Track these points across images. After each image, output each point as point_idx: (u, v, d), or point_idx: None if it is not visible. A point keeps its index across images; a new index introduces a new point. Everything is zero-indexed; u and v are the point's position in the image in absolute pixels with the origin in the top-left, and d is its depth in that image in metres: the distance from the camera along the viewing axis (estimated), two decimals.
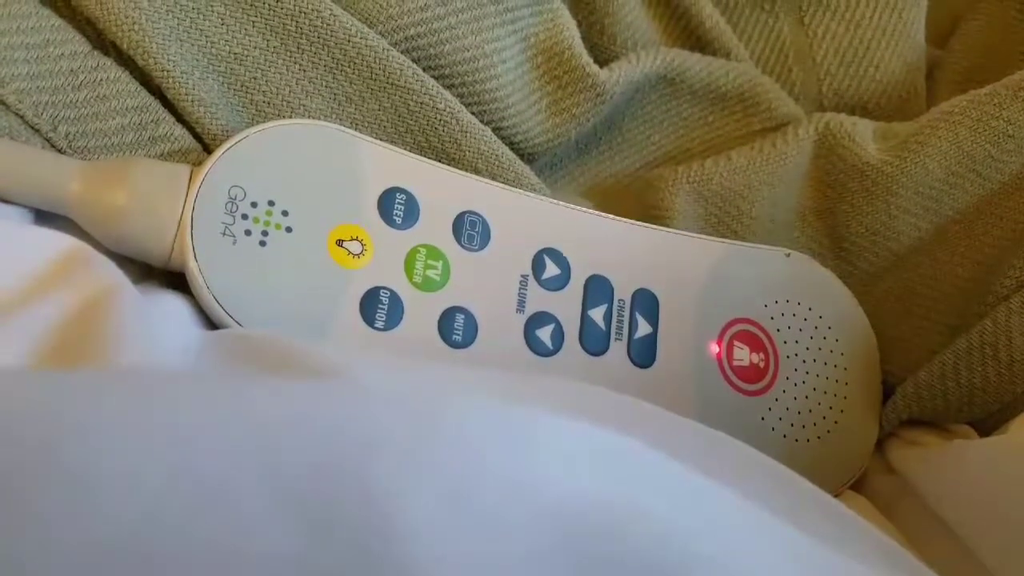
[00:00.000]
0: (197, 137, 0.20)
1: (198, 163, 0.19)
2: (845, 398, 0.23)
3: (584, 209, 0.22)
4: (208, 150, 0.20)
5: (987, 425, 0.22)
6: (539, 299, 0.20)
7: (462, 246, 0.20)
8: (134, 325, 0.14)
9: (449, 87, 0.23)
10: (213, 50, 0.20)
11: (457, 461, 0.09)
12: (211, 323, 0.18)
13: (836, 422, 0.22)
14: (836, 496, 0.22)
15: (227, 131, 0.20)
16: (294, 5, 0.21)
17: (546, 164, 0.25)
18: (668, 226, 0.24)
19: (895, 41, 0.26)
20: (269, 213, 0.18)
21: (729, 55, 0.26)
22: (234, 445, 0.08)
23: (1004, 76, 0.24)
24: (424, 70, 0.22)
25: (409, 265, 0.19)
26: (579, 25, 0.25)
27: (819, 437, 0.22)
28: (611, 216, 0.23)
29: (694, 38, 0.27)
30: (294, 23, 0.21)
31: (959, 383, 0.22)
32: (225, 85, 0.20)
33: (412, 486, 0.08)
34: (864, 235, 0.24)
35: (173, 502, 0.08)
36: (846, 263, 0.24)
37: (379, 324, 0.19)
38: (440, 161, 0.22)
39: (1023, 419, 0.20)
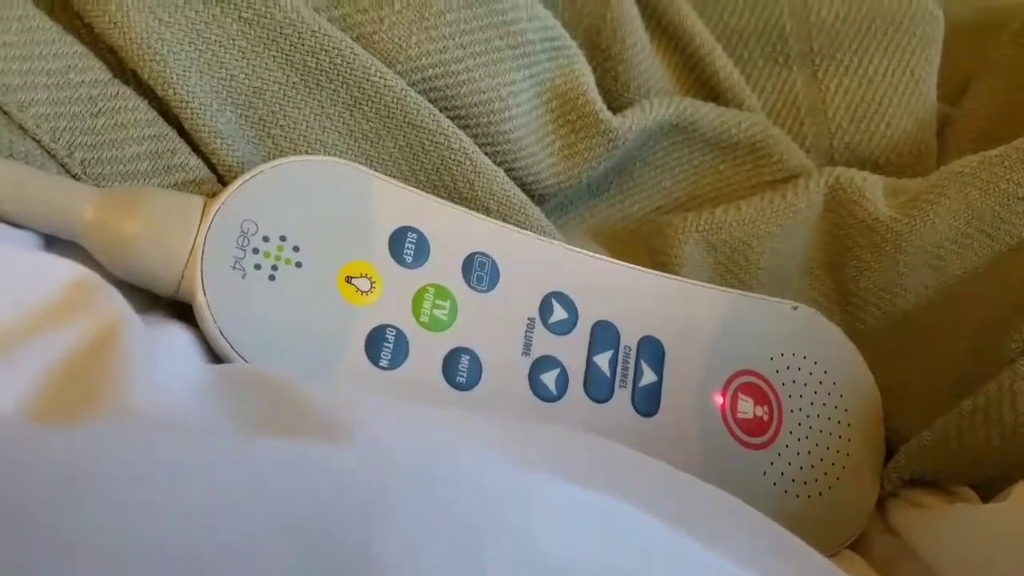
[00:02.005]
0: (212, 168, 0.20)
1: (212, 195, 0.19)
2: (847, 455, 0.22)
3: (593, 254, 0.22)
4: (223, 182, 0.20)
5: (990, 488, 0.22)
6: (545, 343, 0.20)
7: (471, 287, 0.20)
8: (139, 363, 0.14)
9: (464, 127, 0.23)
10: (233, 83, 0.21)
11: (460, 528, 0.09)
12: (216, 355, 0.18)
13: (838, 479, 0.22)
14: (834, 556, 0.22)
15: (243, 164, 0.20)
16: (315, 42, 0.21)
17: (557, 205, 0.25)
18: (676, 273, 0.24)
19: (907, 98, 0.27)
20: (280, 248, 0.18)
21: (742, 106, 0.27)
22: (242, 505, 0.08)
23: (1015, 137, 0.24)
24: (440, 110, 0.23)
25: (417, 304, 0.19)
26: (594, 71, 0.26)
27: (820, 494, 0.22)
28: (619, 262, 0.23)
29: (707, 88, 0.27)
30: (314, 60, 0.21)
31: (962, 445, 0.21)
32: (243, 118, 0.21)
33: (414, 554, 0.08)
34: (871, 291, 0.24)
35: (179, 558, 0.08)
36: (852, 318, 0.24)
37: (383, 363, 0.18)
38: (452, 200, 0.22)
39: None
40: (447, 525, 0.09)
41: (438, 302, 0.20)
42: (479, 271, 0.20)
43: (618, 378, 0.21)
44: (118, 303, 0.15)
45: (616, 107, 0.26)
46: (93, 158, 0.19)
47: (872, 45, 0.27)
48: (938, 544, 0.20)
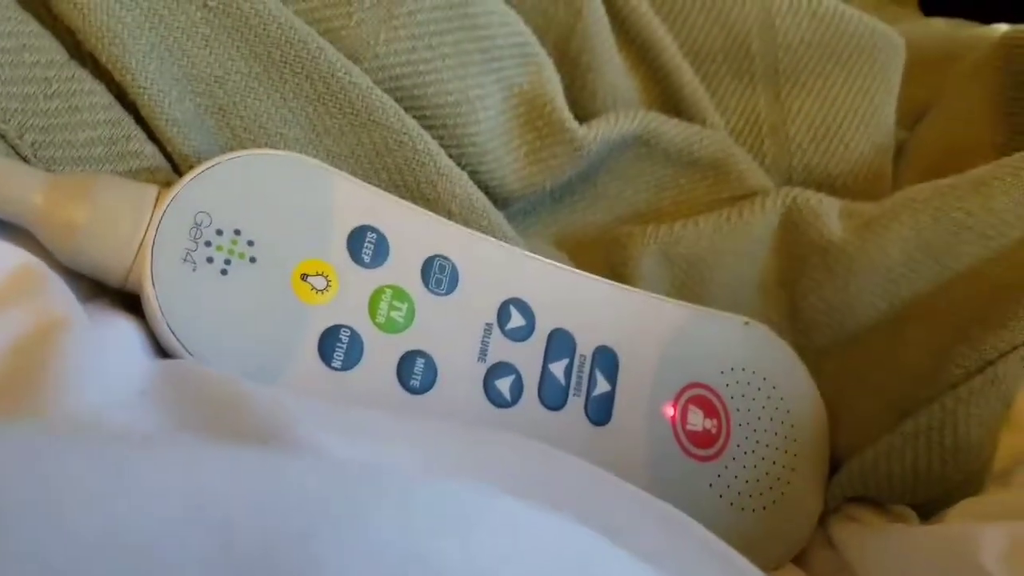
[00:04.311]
0: (168, 157, 0.20)
1: (167, 184, 0.19)
2: (793, 470, 0.23)
3: (553, 262, 0.22)
4: (178, 172, 0.20)
5: (928, 509, 0.23)
6: (501, 349, 0.20)
7: (429, 289, 0.20)
8: (80, 359, 0.13)
9: (429, 128, 0.23)
10: (194, 71, 0.20)
11: (395, 544, 0.09)
12: (163, 349, 0.17)
13: (783, 493, 0.23)
14: (777, 569, 0.22)
15: (199, 154, 0.20)
16: (281, 34, 0.21)
17: (519, 210, 0.26)
18: (634, 285, 0.24)
19: (865, 123, 0.27)
20: (234, 242, 0.18)
21: (705, 122, 0.27)
22: (176, 522, 0.08)
23: (968, 167, 0.25)
24: (406, 110, 0.23)
25: (373, 305, 0.19)
26: (562, 79, 0.26)
27: (764, 507, 0.22)
28: (579, 271, 0.23)
29: (672, 102, 0.27)
30: (279, 52, 0.21)
31: (903, 466, 0.22)
32: (202, 107, 0.20)
33: (346, 565, 0.08)
34: (822, 310, 0.24)
35: (111, 566, 0.08)
36: (803, 336, 0.25)
37: (336, 363, 0.18)
38: (414, 201, 0.22)
39: (961, 507, 0.21)
40: (383, 540, 0.09)
41: (395, 303, 0.19)
42: (439, 274, 0.20)
43: (572, 386, 0.21)
44: (62, 296, 0.15)
45: (582, 116, 0.26)
46: (45, 141, 0.18)
47: (835, 70, 0.27)
48: (872, 561, 0.21)
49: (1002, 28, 0.32)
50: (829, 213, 0.25)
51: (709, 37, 0.28)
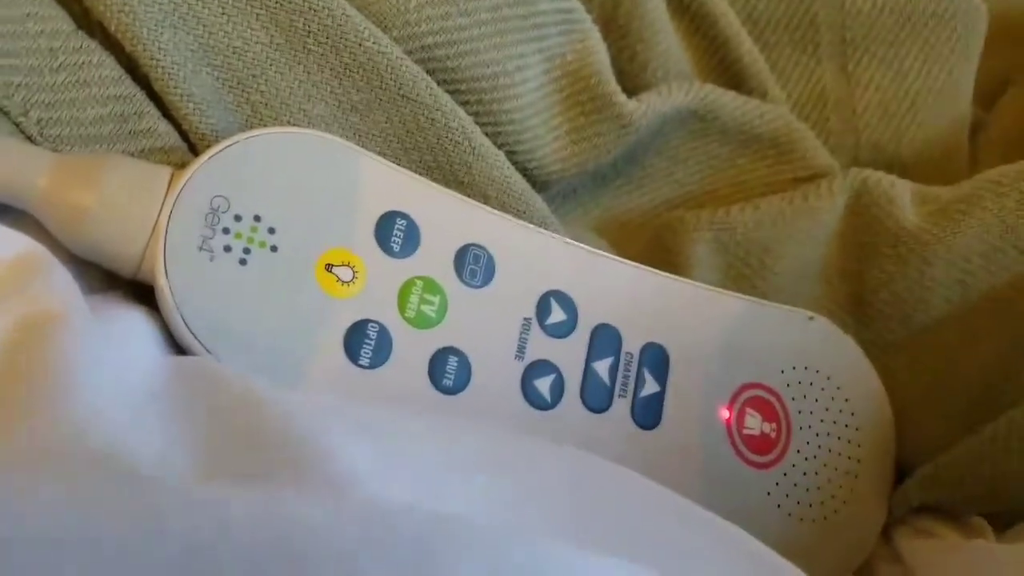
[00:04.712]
0: (183, 136, 0.18)
1: (181, 165, 0.17)
2: (856, 477, 0.21)
3: (597, 251, 0.20)
4: (194, 151, 0.18)
5: (1002, 520, 0.21)
6: (541, 346, 0.19)
7: (463, 281, 0.18)
8: (80, 356, 0.12)
9: (463, 103, 0.21)
10: (211, 41, 0.19)
11: None
12: (178, 345, 0.16)
13: (845, 502, 0.21)
14: None
15: (217, 132, 0.18)
16: (304, 1, 0.19)
17: (559, 193, 0.24)
18: (685, 275, 0.22)
19: (942, 98, 0.25)
20: (254, 229, 0.17)
21: (765, 96, 0.25)
22: (190, 568, 0.07)
23: None
24: (438, 83, 0.21)
25: (403, 298, 0.18)
26: (609, 49, 0.24)
27: (825, 517, 0.21)
28: (625, 260, 0.21)
29: (729, 74, 0.25)
30: (302, 20, 0.19)
31: (980, 474, 0.20)
32: (220, 81, 0.19)
33: None
34: (892, 304, 0.22)
35: None
36: (869, 331, 0.23)
37: (364, 361, 0.17)
38: (447, 184, 0.20)
39: None
40: None
41: (426, 296, 0.18)
42: (473, 264, 0.19)
43: (618, 387, 0.19)
44: (65, 287, 0.14)
45: (631, 89, 0.24)
46: (51, 118, 0.17)
47: (909, 39, 0.25)
48: None
49: None
50: (902, 197, 0.23)
51: (771, 4, 0.25)
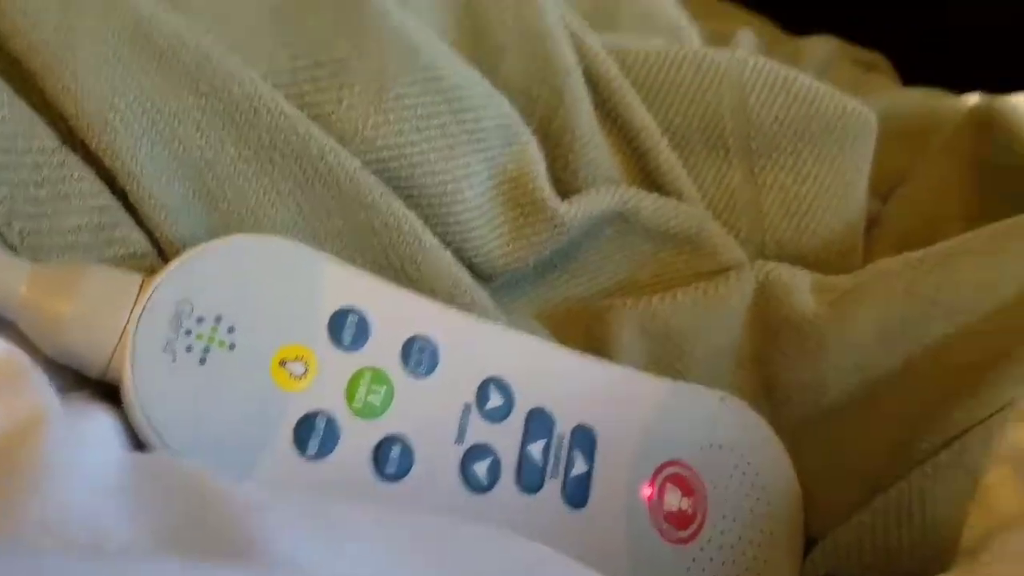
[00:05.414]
0: (155, 243, 0.20)
1: (152, 270, 0.19)
2: (769, 549, 0.23)
3: (534, 338, 0.23)
4: (165, 257, 0.20)
5: None
6: (479, 430, 0.21)
7: (409, 371, 0.20)
8: (57, 456, 0.13)
9: (415, 207, 0.24)
10: (185, 155, 0.21)
11: None
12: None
13: (759, 574, 0.23)
14: None
15: (186, 240, 0.20)
16: (271, 120, 0.21)
17: (503, 284, 0.26)
18: (614, 358, 0.25)
19: (836, 200, 0.28)
20: (215, 329, 0.18)
21: (681, 197, 0.28)
22: None
23: (940, 238, 0.26)
24: (393, 188, 0.23)
25: (351, 389, 0.19)
26: (546, 157, 0.26)
27: None
28: (559, 346, 0.23)
29: (651, 179, 0.28)
30: (269, 137, 0.22)
31: (875, 544, 0.22)
32: (191, 191, 0.21)
33: None
34: (795, 386, 0.25)
35: None
36: (778, 411, 0.25)
37: (311, 452, 0.18)
38: (398, 280, 0.22)
39: None
40: None
41: (374, 387, 0.20)
42: (419, 354, 0.21)
43: (550, 467, 0.21)
44: (42, 390, 0.15)
45: (565, 192, 0.27)
46: (33, 228, 0.19)
47: (806, 148, 0.28)
48: None
49: (974, 99, 0.33)
50: (801, 288, 0.26)
51: (687, 116, 0.29)
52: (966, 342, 0.24)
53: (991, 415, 0.22)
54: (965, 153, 0.30)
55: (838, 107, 0.28)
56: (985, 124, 0.29)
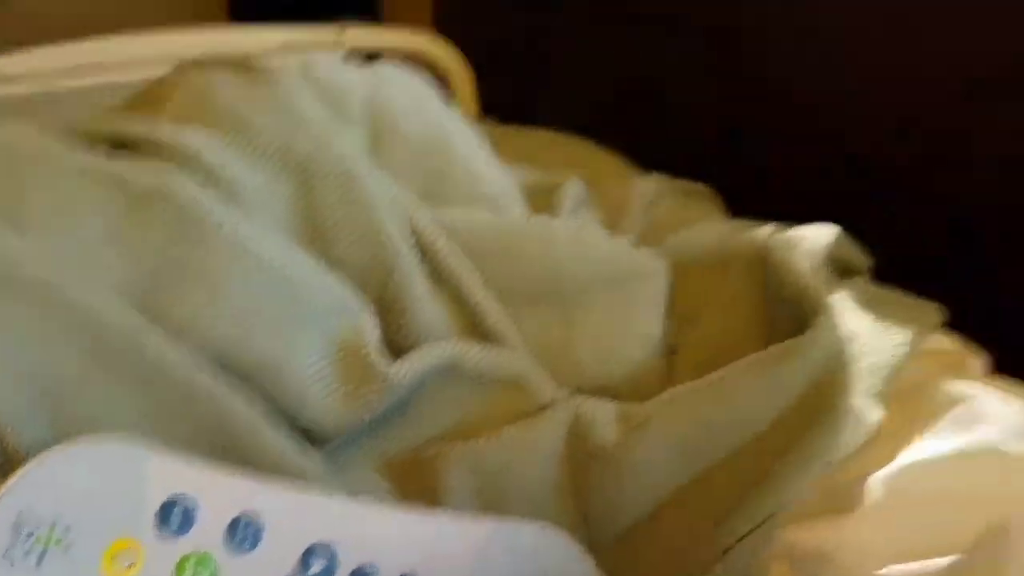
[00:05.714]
0: (3, 452, 0.23)
1: None
2: None
3: (358, 500, 0.26)
4: (11, 467, 0.23)
5: None
6: None
7: (233, 549, 0.23)
8: None
9: (252, 385, 0.27)
10: (33, 371, 0.24)
11: None
12: None
13: None
14: None
15: (31, 447, 0.23)
16: (113, 333, 0.25)
17: (341, 443, 0.29)
18: (445, 500, 0.28)
19: (637, 337, 0.33)
20: (52, 530, 0.21)
21: (506, 343, 0.32)
22: None
23: (730, 361, 0.30)
24: (231, 371, 0.26)
25: (178, 575, 0.22)
26: (380, 322, 0.30)
27: None
28: (383, 503, 0.26)
29: (479, 330, 0.32)
30: (108, 346, 0.25)
31: None
32: (36, 403, 0.24)
33: None
34: (602, 509, 0.28)
35: None
36: (592, 532, 0.28)
37: None
38: (231, 459, 0.25)
39: None
40: None
41: (199, 570, 0.22)
42: (244, 531, 0.23)
43: None
44: None
45: (400, 350, 0.30)
46: None
47: (613, 296, 0.33)
48: None
49: (766, 231, 0.38)
50: (606, 420, 0.29)
51: (508, 276, 0.33)
52: (742, 459, 0.28)
53: (754, 528, 0.26)
54: (753, 283, 0.34)
55: (634, 260, 0.33)
56: (764, 259, 0.34)
